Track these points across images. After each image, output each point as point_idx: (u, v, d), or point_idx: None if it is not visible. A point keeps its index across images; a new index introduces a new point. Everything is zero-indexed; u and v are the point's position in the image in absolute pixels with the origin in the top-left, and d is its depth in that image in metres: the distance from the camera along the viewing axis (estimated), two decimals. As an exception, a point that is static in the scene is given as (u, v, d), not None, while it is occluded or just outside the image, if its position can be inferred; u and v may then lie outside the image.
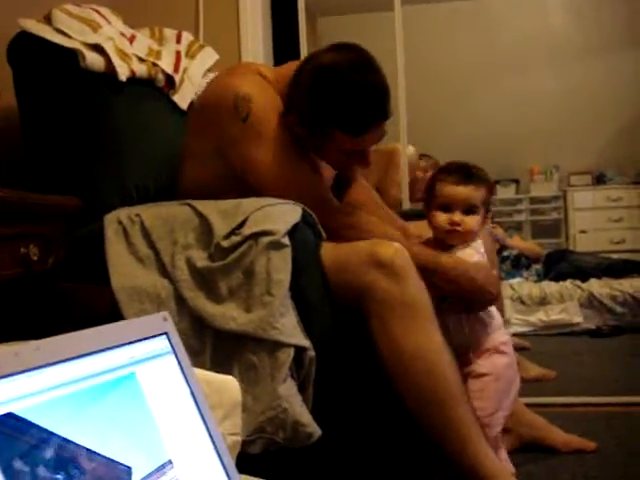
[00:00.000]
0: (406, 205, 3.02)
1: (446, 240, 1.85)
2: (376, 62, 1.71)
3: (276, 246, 1.41)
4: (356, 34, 4.47)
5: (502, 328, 1.92)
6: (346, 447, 1.58)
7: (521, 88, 5.54)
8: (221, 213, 1.50)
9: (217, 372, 1.36)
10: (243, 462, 1.25)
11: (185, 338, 1.47)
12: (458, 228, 1.82)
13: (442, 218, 1.84)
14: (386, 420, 1.64)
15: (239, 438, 0.95)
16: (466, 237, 1.84)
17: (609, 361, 3.64)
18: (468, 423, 1.51)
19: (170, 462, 0.72)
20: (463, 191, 1.83)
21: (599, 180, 5.79)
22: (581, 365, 3.50)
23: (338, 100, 1.64)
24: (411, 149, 3.50)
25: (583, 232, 5.66)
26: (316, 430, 1.38)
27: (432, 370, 1.51)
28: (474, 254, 1.85)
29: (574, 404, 2.80)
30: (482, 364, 1.83)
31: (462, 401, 1.53)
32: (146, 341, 0.77)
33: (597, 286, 4.44)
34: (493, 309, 1.90)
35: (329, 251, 1.56)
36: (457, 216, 1.82)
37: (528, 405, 2.29)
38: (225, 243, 1.45)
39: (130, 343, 0.74)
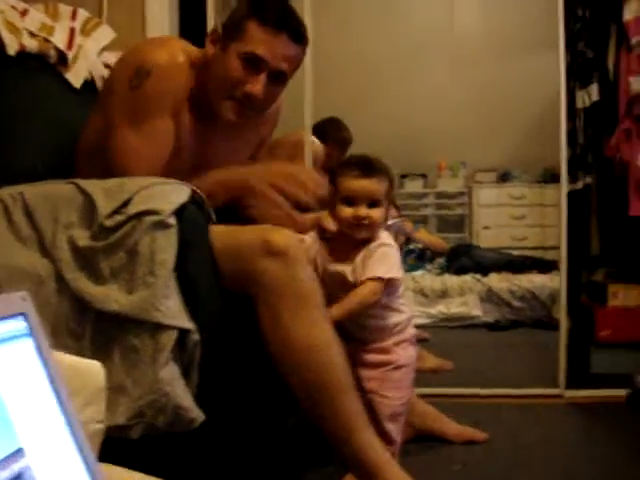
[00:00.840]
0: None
1: (352, 234, 1.85)
2: None
3: (161, 226, 1.35)
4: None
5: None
6: (232, 433, 1.55)
7: (430, 85, 5.59)
8: (105, 191, 1.44)
9: (97, 355, 1.32)
10: (123, 447, 1.22)
11: (65, 320, 1.42)
12: (364, 222, 1.81)
13: (347, 212, 1.83)
14: (273, 407, 1.62)
15: (102, 426, 0.91)
16: (371, 230, 1.85)
17: (505, 354, 3.72)
18: (354, 413, 1.50)
19: (21, 450, 0.67)
20: (365, 185, 1.82)
21: (504, 178, 5.90)
22: (477, 357, 3.57)
23: None
24: (316, 142, 3.46)
25: (487, 228, 5.75)
26: (199, 415, 1.34)
27: (320, 360, 1.49)
28: (387, 249, 1.85)
29: (468, 395, 2.85)
30: (402, 355, 1.87)
31: (349, 391, 1.51)
32: (0, 322, 0.71)
33: (496, 281, 4.54)
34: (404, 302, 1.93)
35: (220, 234, 1.53)
36: (362, 210, 1.82)
37: (423, 395, 2.32)
38: (108, 222, 1.39)
39: (-19, 324, 0.69)
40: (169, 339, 1.31)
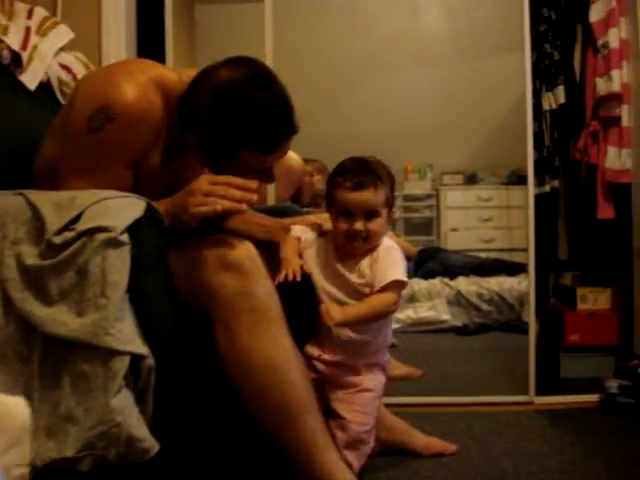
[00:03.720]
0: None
1: (350, 248, 1.76)
2: (274, 74, 1.62)
3: (112, 244, 1.27)
4: (231, 23, 4.36)
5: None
6: (190, 461, 1.48)
7: (394, 87, 5.53)
8: (55, 206, 1.36)
9: (46, 381, 1.24)
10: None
11: (13, 344, 1.33)
12: (361, 235, 1.73)
13: (343, 226, 1.74)
14: (234, 431, 1.55)
15: (27, 470, 0.83)
16: (371, 242, 1.75)
17: (474, 360, 3.69)
18: (316, 433, 1.44)
19: None
20: (361, 197, 1.72)
21: (471, 180, 5.87)
22: (446, 364, 3.53)
23: (246, 121, 1.53)
24: (295, 156, 3.40)
25: (454, 230, 5.72)
26: (153, 445, 1.26)
27: (279, 379, 1.42)
28: (395, 251, 1.78)
29: (436, 404, 2.81)
30: (371, 378, 1.80)
31: (311, 410, 1.45)
32: None
33: (465, 284, 4.51)
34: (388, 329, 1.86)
35: (175, 249, 1.45)
36: (358, 224, 1.72)
37: (390, 405, 2.26)
38: (57, 239, 1.31)
39: None
40: (122, 365, 1.24)
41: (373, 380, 1.81)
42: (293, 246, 1.80)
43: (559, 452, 2.17)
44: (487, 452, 2.20)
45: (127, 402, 1.24)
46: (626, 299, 3.16)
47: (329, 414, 1.75)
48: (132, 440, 1.23)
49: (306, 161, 3.86)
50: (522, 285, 4.40)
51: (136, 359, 1.27)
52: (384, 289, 1.71)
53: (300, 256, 1.78)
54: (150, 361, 1.29)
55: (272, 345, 1.43)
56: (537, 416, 2.63)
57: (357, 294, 1.76)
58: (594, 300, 3.26)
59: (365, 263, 1.76)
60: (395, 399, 2.57)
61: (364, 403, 1.78)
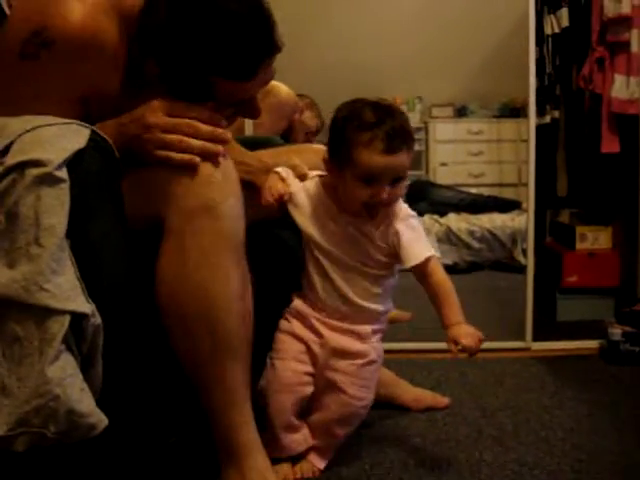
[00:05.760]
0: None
1: (366, 214, 1.49)
2: None
3: (47, 181, 1.05)
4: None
5: None
6: (147, 436, 1.30)
7: (384, 16, 5.28)
8: (-19, 136, 1.14)
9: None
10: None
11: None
12: (384, 201, 1.46)
13: (363, 194, 1.44)
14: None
15: None
16: (392, 206, 1.50)
17: (466, 301, 3.47)
18: (239, 385, 1.32)
19: None
20: (394, 162, 1.42)
21: (461, 113, 5.69)
22: (437, 305, 3.36)
23: (216, 39, 1.24)
24: (286, 89, 3.10)
25: (444, 164, 5.56)
26: (101, 420, 1.07)
27: (213, 314, 1.27)
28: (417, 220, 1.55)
29: (428, 350, 2.64)
30: (376, 347, 1.62)
31: (240, 361, 1.32)
32: None
33: (455, 221, 4.36)
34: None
35: (127, 183, 1.24)
36: (385, 192, 1.43)
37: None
38: (-18, 176, 1.09)
39: None
40: (60, 327, 1.03)
41: (378, 349, 1.62)
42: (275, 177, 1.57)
43: (560, 406, 2.02)
44: (483, 406, 2.04)
45: (68, 370, 1.04)
46: (628, 238, 2.99)
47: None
48: (74, 415, 1.03)
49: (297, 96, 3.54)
50: (515, 222, 4.26)
51: (78, 318, 1.06)
52: (425, 265, 1.54)
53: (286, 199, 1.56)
54: (96, 320, 1.08)
55: (218, 274, 1.26)
56: (535, 364, 2.47)
57: (368, 259, 1.53)
58: (594, 239, 3.09)
59: (390, 230, 1.51)
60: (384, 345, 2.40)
61: (369, 377, 1.59)
